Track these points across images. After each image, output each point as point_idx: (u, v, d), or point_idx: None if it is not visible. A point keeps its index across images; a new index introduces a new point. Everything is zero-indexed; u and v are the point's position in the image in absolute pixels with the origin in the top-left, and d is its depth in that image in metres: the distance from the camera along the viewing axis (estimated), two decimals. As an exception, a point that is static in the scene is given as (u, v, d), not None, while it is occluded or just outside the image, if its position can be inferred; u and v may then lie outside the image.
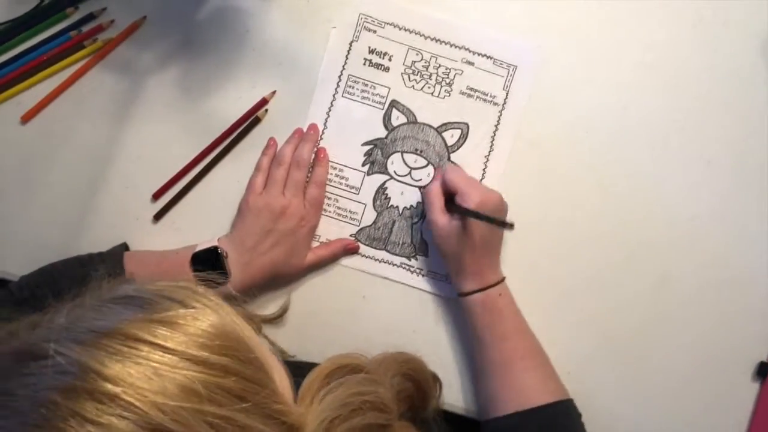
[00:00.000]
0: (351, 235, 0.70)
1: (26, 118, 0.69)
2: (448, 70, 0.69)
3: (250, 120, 0.69)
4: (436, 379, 0.59)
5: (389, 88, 0.69)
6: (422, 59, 0.69)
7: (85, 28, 0.69)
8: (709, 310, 0.69)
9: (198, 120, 0.70)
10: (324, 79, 0.69)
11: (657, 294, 0.69)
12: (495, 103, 0.69)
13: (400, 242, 0.70)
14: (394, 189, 0.70)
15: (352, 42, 0.69)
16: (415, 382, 0.54)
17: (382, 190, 0.70)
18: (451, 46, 0.69)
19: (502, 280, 0.65)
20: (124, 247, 0.68)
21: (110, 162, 0.69)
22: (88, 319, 0.36)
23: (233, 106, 0.69)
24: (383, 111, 0.69)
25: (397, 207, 0.70)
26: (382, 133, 0.70)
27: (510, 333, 0.63)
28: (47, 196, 0.70)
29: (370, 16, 0.69)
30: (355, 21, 0.69)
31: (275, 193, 0.66)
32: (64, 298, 0.40)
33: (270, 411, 0.36)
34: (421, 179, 0.70)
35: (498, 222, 0.61)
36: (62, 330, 0.35)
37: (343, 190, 0.70)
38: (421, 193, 0.69)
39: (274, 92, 0.70)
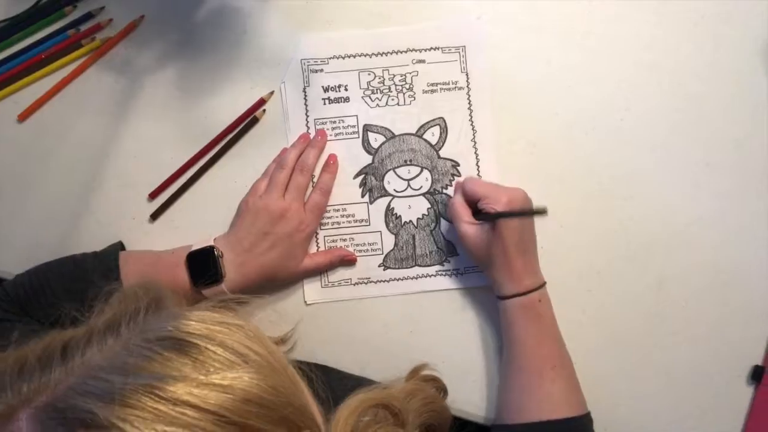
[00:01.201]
0: (379, 265, 0.69)
1: (23, 117, 0.70)
2: (403, 77, 0.70)
3: (248, 120, 0.70)
4: (451, 417, 0.59)
5: (357, 116, 0.70)
6: (375, 77, 0.70)
7: (83, 27, 0.71)
8: (705, 313, 0.67)
9: (196, 119, 0.70)
10: (293, 132, 0.70)
11: (654, 296, 0.68)
12: (459, 88, 0.69)
13: (428, 252, 0.69)
14: (400, 206, 0.69)
15: (305, 89, 0.70)
16: (437, 427, 0.55)
17: (390, 212, 0.70)
18: (397, 53, 0.70)
19: (543, 284, 0.63)
20: (120, 246, 0.67)
21: (107, 161, 0.70)
22: (131, 367, 0.34)
23: (231, 106, 0.70)
24: (360, 139, 0.70)
25: (411, 221, 0.69)
26: (367, 159, 0.70)
27: (545, 340, 0.62)
28: (44, 194, 0.70)
29: (311, 58, 0.70)
30: (300, 69, 0.70)
31: (275, 195, 0.66)
32: (83, 305, 0.41)
33: None
34: (420, 186, 0.69)
35: (529, 212, 0.61)
36: (97, 377, 0.34)
37: (354, 226, 0.69)
38: (429, 199, 0.69)
39: (272, 92, 0.70)
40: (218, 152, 0.70)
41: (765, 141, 0.68)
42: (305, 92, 0.70)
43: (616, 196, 0.69)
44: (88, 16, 0.71)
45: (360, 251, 0.69)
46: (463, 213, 0.64)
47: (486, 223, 0.63)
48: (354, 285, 0.69)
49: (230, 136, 0.70)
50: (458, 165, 0.69)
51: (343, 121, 0.70)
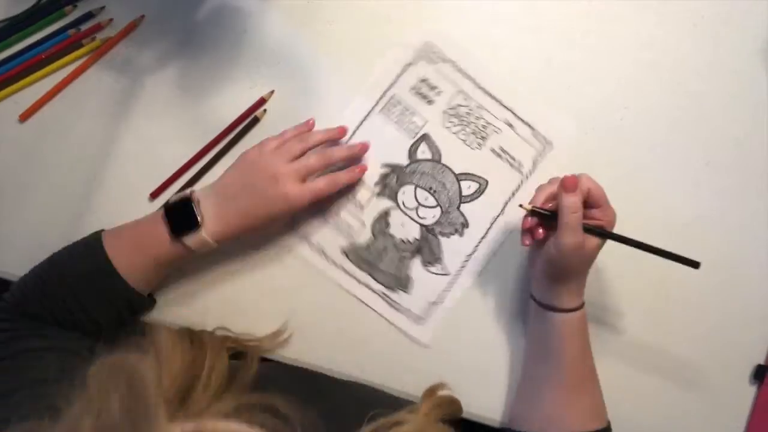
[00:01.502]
0: (342, 250, 0.68)
1: (24, 117, 0.70)
2: (487, 125, 0.69)
3: (249, 119, 0.70)
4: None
5: (426, 121, 0.69)
6: (467, 106, 0.69)
7: (84, 27, 0.71)
8: (707, 313, 0.67)
9: (196, 119, 0.70)
10: (369, 88, 0.69)
11: (655, 296, 0.68)
12: (520, 172, 0.69)
13: (387, 272, 0.67)
14: (396, 218, 0.68)
15: (409, 64, 0.70)
16: None
17: (385, 215, 0.68)
18: (499, 103, 0.69)
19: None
20: (98, 234, 0.63)
21: (108, 161, 0.70)
22: None
23: (231, 105, 0.70)
24: (412, 140, 0.69)
25: (393, 236, 0.68)
26: (404, 161, 0.69)
27: (588, 353, 0.62)
28: (45, 194, 0.69)
29: (435, 48, 0.70)
30: (419, 46, 0.70)
31: (280, 162, 0.62)
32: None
33: None
34: (425, 218, 0.68)
35: (682, 260, 0.58)
36: None
37: (348, 202, 0.68)
38: (422, 233, 0.69)
39: (272, 92, 0.70)
40: (219, 152, 0.70)
41: (765, 140, 0.68)
42: (406, 67, 0.70)
43: (616, 195, 0.68)
44: (89, 16, 0.71)
45: (337, 226, 0.68)
46: (578, 218, 0.57)
47: (595, 237, 0.58)
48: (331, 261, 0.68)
49: (231, 135, 0.70)
50: (467, 226, 0.68)
51: (412, 115, 0.69)
